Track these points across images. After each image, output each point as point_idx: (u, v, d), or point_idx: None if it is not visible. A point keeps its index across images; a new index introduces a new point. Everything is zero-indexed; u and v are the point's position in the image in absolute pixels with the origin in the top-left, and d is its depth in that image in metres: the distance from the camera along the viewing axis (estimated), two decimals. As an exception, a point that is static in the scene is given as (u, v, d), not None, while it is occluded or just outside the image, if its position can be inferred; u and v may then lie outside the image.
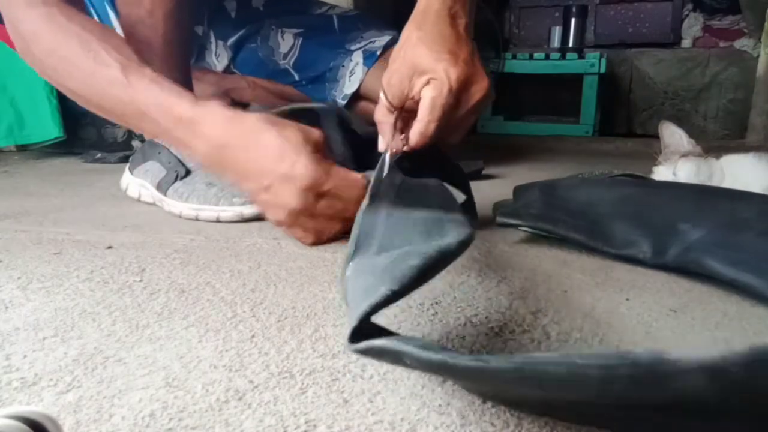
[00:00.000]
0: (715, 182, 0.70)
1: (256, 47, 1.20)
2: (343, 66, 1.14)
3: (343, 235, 0.58)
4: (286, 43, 1.18)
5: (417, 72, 0.55)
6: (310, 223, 0.57)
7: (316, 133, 0.57)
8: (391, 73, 0.57)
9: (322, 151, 0.56)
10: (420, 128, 0.55)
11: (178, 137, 0.60)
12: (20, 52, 0.69)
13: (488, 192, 0.96)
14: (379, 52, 1.09)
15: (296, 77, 1.19)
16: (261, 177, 0.55)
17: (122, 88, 0.61)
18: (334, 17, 1.20)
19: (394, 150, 0.57)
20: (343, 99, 1.14)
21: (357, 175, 0.55)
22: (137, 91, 0.60)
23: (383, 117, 0.59)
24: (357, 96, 1.13)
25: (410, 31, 0.56)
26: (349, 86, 1.13)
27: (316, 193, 0.54)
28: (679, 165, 0.72)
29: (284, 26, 1.19)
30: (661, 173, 0.73)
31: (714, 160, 0.73)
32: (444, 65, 0.53)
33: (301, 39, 1.17)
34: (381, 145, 0.60)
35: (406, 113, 0.59)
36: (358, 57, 1.13)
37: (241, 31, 1.20)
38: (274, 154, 0.54)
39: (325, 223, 0.58)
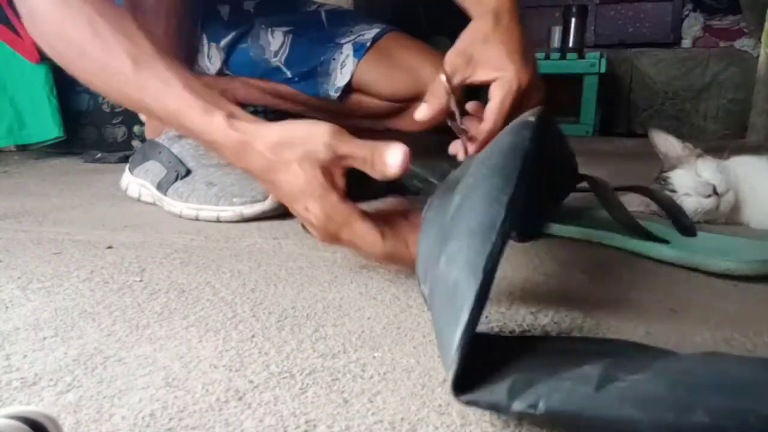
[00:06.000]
0: (731, 183, 0.70)
1: (247, 47, 1.21)
2: (333, 59, 1.14)
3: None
4: (276, 41, 1.19)
5: (486, 64, 0.56)
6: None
7: (322, 150, 0.47)
8: (457, 53, 0.57)
9: (336, 168, 0.48)
10: (489, 127, 0.56)
11: (199, 142, 0.54)
12: (27, 29, 0.62)
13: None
14: (368, 44, 1.10)
15: (288, 74, 1.20)
16: (289, 203, 0.49)
17: (132, 87, 0.55)
18: (323, 13, 1.21)
19: (462, 156, 0.58)
20: (335, 92, 1.15)
21: (376, 238, 0.47)
22: (148, 93, 0.54)
23: (437, 92, 0.58)
24: (349, 89, 1.14)
25: (485, 24, 0.57)
26: (341, 79, 1.14)
27: (334, 236, 0.48)
28: (700, 166, 0.70)
29: (273, 25, 1.20)
30: (683, 177, 0.71)
31: (724, 162, 0.73)
32: (516, 66, 0.55)
33: (290, 36, 1.18)
34: (423, 112, 0.59)
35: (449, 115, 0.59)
36: (348, 50, 1.13)
37: (233, 32, 1.21)
38: (288, 193, 0.49)
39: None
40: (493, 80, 0.56)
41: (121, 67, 0.55)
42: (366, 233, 0.47)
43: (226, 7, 1.22)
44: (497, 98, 0.56)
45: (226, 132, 0.50)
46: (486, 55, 0.56)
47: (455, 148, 0.60)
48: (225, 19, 1.22)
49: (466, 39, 0.58)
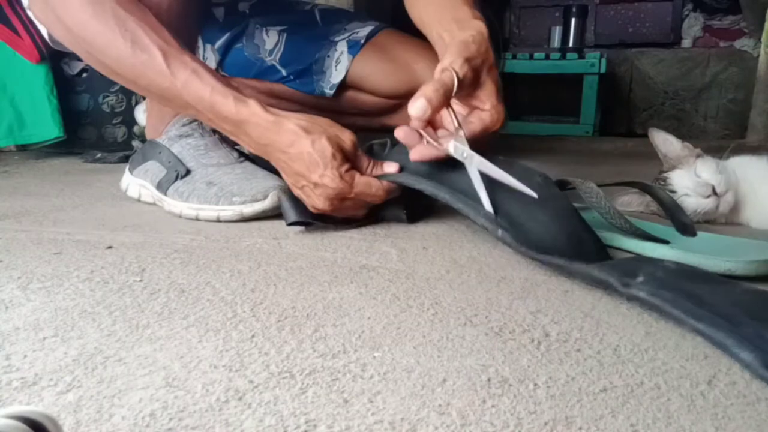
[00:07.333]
0: (731, 183, 0.70)
1: (242, 47, 1.22)
2: (328, 57, 1.15)
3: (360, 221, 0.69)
4: (271, 39, 1.19)
5: (488, 93, 0.61)
6: (339, 213, 0.66)
7: (347, 141, 0.62)
8: (466, 66, 0.58)
9: (351, 158, 0.63)
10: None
11: (224, 129, 0.65)
12: (48, 24, 0.68)
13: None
14: (363, 41, 1.11)
15: (283, 72, 1.20)
16: (297, 178, 0.63)
17: (163, 77, 0.62)
18: (317, 11, 1.22)
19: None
20: (331, 89, 1.15)
21: (378, 183, 0.63)
22: (179, 82, 0.62)
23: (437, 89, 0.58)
24: (345, 86, 1.14)
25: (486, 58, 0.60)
26: (335, 76, 1.14)
27: (341, 198, 0.62)
28: (699, 166, 0.70)
29: (268, 24, 1.20)
30: (682, 177, 0.72)
31: (724, 162, 0.73)
32: (501, 109, 0.61)
33: (285, 35, 1.19)
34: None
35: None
36: (342, 47, 1.14)
37: (228, 33, 1.22)
38: (305, 164, 0.61)
39: (352, 212, 0.67)
40: (482, 110, 0.60)
41: (152, 59, 0.62)
42: (372, 182, 0.62)
43: (221, 9, 1.22)
44: (479, 127, 0.59)
45: (263, 114, 0.61)
46: (488, 85, 0.60)
47: (408, 136, 0.60)
48: (220, 20, 1.22)
49: (473, 58, 0.58)
